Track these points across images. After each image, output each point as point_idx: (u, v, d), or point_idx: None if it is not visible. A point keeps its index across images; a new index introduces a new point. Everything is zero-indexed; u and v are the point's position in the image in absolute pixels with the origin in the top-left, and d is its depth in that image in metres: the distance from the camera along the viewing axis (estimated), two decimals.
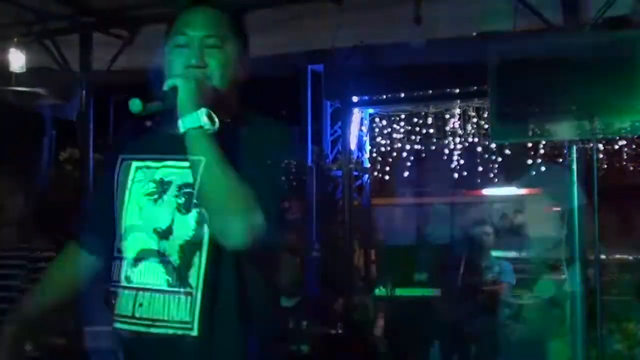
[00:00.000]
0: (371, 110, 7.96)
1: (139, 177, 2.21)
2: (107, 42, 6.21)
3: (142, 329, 2.11)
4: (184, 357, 2.09)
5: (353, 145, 7.39)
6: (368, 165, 7.92)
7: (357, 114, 7.48)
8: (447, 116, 7.91)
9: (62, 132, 7.35)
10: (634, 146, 8.68)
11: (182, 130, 2.00)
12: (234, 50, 2.12)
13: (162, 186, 2.16)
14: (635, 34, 5.00)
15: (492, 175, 8.84)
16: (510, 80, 5.05)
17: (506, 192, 11.47)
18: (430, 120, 7.95)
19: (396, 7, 5.64)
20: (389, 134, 8.21)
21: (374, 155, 8.16)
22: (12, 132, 6.96)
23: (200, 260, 2.08)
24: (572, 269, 5.20)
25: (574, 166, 5.01)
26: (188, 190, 2.10)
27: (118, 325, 2.16)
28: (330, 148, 7.37)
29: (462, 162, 8.38)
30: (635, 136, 7.72)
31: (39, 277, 3.04)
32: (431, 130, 8.01)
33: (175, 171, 2.15)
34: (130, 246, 2.17)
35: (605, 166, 8.48)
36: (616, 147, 8.71)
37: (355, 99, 7.31)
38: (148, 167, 2.20)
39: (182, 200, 2.10)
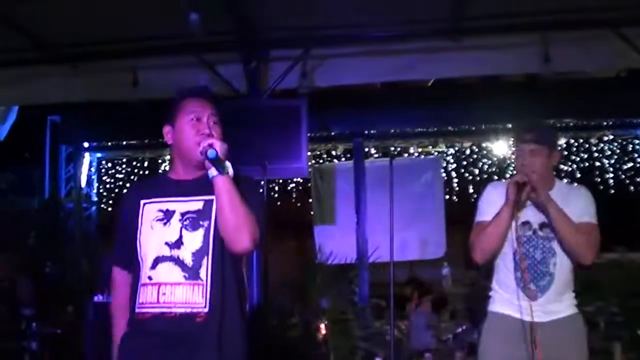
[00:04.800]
0: (99, 154, 8.43)
1: (149, 210, 2.83)
2: None
3: (166, 310, 2.71)
4: (198, 327, 2.71)
5: (83, 183, 7.98)
6: (95, 198, 8.32)
7: (87, 157, 8.11)
8: (160, 161, 8.62)
9: None
10: (301, 187, 9.47)
11: (212, 175, 2.65)
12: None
13: (168, 214, 2.79)
14: (298, 101, 5.90)
15: None
16: None
17: None
18: (146, 164, 8.74)
19: (118, 72, 6.29)
20: (113, 174, 8.78)
21: (101, 190, 8.58)
22: None
23: (208, 262, 2.73)
24: None
25: None
26: (190, 215, 2.77)
27: (143, 310, 2.75)
28: (65, 184, 7.87)
29: None
30: (300, 178, 8.57)
31: None
32: (147, 172, 8.69)
33: (176, 204, 2.81)
34: (149, 255, 2.78)
35: (279, 203, 9.37)
36: (289, 187, 9.54)
37: (86, 144, 8.00)
38: (155, 202, 2.83)
39: (187, 222, 2.77)
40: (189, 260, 2.74)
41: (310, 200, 8.53)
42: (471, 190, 8.82)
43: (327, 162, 8.57)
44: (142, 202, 2.84)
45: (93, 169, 8.27)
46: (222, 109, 5.34)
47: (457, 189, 8.95)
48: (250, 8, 5.57)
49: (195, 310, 2.71)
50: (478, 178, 8.58)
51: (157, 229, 2.78)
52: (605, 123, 8.08)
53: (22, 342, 5.82)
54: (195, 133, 2.80)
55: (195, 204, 2.78)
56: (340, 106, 7.19)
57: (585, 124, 8.14)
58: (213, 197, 2.73)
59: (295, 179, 9.27)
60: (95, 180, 8.32)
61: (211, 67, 6.12)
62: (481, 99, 7.30)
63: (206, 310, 2.71)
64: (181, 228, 2.75)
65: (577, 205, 3.56)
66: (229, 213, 2.68)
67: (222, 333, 2.71)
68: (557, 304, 3.54)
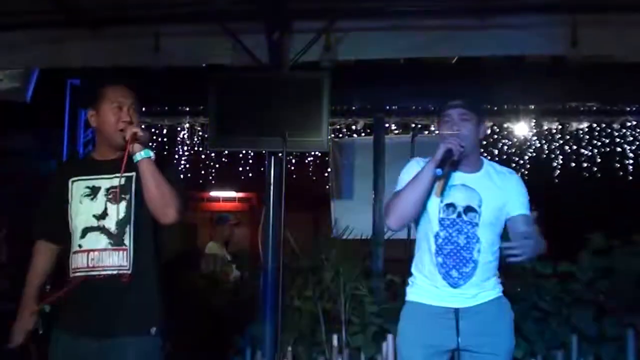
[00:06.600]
0: None
1: (77, 187, 3.24)
2: None
3: (95, 273, 3.16)
4: (124, 287, 3.15)
5: None
6: None
7: None
8: (179, 129, 8.70)
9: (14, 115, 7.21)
10: (318, 161, 9.54)
11: (138, 159, 3.07)
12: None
13: (94, 190, 3.22)
14: (321, 74, 5.82)
15: (211, 179, 9.73)
16: (226, 102, 5.80)
17: (225, 195, 12.51)
18: (165, 131, 8.70)
19: (140, 37, 6.19)
20: None
21: None
22: None
23: (130, 230, 3.18)
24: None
25: (271, 172, 5.85)
26: (114, 190, 3.20)
27: (77, 274, 3.19)
28: (83, 148, 7.80)
29: (188, 167, 9.24)
30: (319, 152, 8.40)
31: None
32: (165, 139, 8.77)
33: (101, 181, 3.24)
34: (78, 226, 3.20)
35: (295, 176, 9.29)
36: (306, 160, 9.65)
37: None
38: (82, 180, 3.25)
39: (111, 196, 3.20)
40: (114, 229, 3.17)
41: (327, 174, 8.49)
42: None
43: (347, 137, 8.50)
44: (70, 180, 3.25)
45: None
46: (232, 76, 5.81)
47: None
48: None
49: (121, 272, 3.15)
50: (497, 158, 8.50)
51: (85, 204, 3.21)
52: (628, 108, 7.98)
53: None
54: (116, 120, 3.23)
55: (117, 180, 3.18)
56: (362, 81, 7.10)
57: (608, 109, 8.03)
58: (133, 174, 3.16)
59: (312, 152, 9.20)
60: None
61: (234, 36, 6.02)
62: (504, 79, 7.22)
63: (130, 272, 3.16)
64: (106, 202, 3.19)
65: (517, 197, 3.47)
66: (155, 190, 3.11)
67: (145, 290, 3.18)
68: (480, 289, 3.42)
